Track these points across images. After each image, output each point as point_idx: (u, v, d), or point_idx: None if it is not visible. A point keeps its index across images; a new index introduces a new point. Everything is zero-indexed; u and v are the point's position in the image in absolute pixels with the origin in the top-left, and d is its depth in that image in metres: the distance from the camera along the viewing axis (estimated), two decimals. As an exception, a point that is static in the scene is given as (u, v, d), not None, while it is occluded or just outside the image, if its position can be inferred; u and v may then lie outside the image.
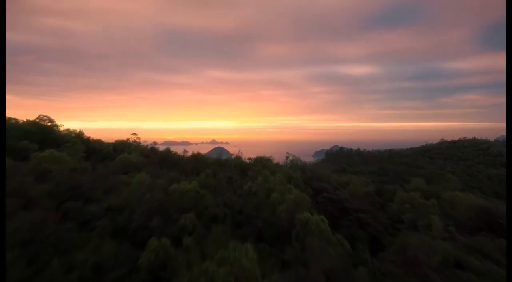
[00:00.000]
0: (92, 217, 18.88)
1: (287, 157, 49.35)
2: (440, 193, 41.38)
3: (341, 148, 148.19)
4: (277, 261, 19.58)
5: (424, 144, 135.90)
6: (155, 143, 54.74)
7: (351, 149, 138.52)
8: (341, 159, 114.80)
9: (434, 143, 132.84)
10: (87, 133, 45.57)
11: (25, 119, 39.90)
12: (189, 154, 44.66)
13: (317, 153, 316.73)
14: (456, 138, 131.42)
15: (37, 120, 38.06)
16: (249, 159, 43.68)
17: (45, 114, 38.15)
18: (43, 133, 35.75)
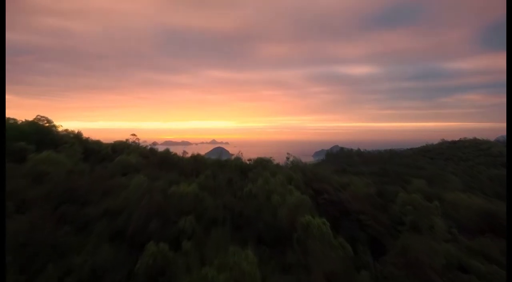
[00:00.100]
0: (89, 220, 18.56)
1: (287, 158, 49.05)
2: (442, 194, 41.06)
3: (341, 148, 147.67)
4: (278, 264, 19.29)
5: (424, 144, 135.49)
6: (155, 143, 54.48)
7: (351, 149, 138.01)
8: (341, 159, 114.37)
9: (434, 143, 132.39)
10: (87, 134, 45.28)
11: (24, 120, 39.65)
12: (189, 154, 44.39)
13: (317, 153, 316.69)
14: (457, 139, 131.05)
15: (35, 120, 37.72)
16: (249, 160, 43.39)
17: (44, 114, 37.85)
18: (40, 134, 35.39)
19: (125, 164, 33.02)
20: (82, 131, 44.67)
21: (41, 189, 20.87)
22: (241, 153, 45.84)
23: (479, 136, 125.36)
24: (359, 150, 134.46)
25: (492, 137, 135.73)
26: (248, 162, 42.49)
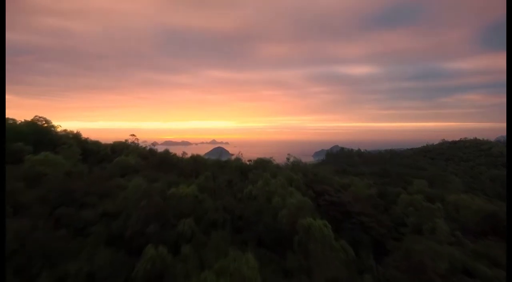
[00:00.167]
0: (86, 223, 18.14)
1: (288, 159, 48.60)
2: (444, 195, 40.66)
3: (342, 148, 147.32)
4: (279, 268, 18.88)
5: (424, 144, 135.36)
6: (155, 143, 54.04)
7: (351, 149, 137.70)
8: (341, 159, 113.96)
9: (435, 144, 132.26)
10: (87, 134, 44.89)
11: (23, 120, 39.20)
12: (188, 155, 43.96)
13: (317, 153, 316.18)
14: (457, 139, 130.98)
15: (33, 121, 37.27)
16: (249, 160, 42.95)
17: (45, 114, 37.56)
18: (38, 134, 34.96)
19: (124, 164, 32.60)
20: (82, 132, 44.37)
21: (37, 191, 20.47)
22: (241, 154, 45.42)
23: (479, 137, 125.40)
24: (359, 150, 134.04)
25: (492, 138, 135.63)
26: (248, 163, 42.05)
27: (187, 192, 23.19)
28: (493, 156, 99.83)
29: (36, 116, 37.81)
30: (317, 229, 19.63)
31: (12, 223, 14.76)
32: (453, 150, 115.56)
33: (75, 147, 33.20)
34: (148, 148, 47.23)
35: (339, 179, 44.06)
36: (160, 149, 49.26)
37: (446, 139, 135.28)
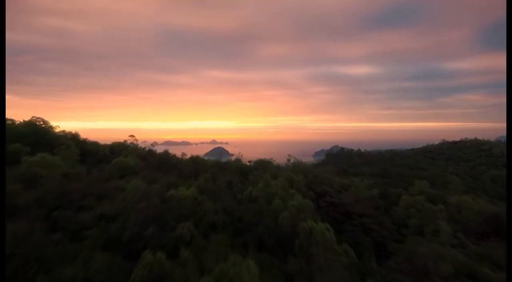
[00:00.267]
0: (83, 226, 17.78)
1: (288, 160, 48.25)
2: (445, 196, 40.33)
3: (342, 148, 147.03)
4: (279, 272, 18.52)
5: (425, 144, 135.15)
6: (155, 143, 53.72)
7: (351, 149, 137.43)
8: (341, 160, 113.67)
9: (435, 144, 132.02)
10: (87, 134, 44.53)
11: (22, 121, 38.80)
12: (188, 156, 43.59)
13: (317, 153, 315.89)
14: (457, 139, 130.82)
15: (31, 121, 36.87)
16: (250, 161, 42.58)
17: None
18: (36, 135, 34.53)
19: (123, 165, 32.21)
20: (82, 132, 44.01)
21: (34, 193, 20.07)
22: (241, 154, 45.03)
23: (479, 137, 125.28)
24: (359, 150, 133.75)
25: (492, 138, 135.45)
26: (248, 164, 41.68)
27: (186, 193, 22.84)
28: (494, 156, 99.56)
29: (33, 116, 37.44)
30: (319, 233, 19.30)
31: (8, 226, 14.37)
32: (453, 150, 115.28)
33: (73, 148, 32.80)
34: (147, 149, 46.86)
35: (339, 180, 43.72)
36: (160, 149, 48.95)
37: (446, 139, 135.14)
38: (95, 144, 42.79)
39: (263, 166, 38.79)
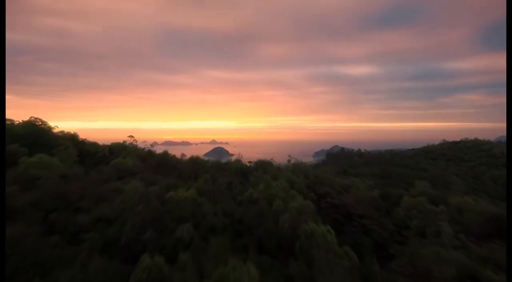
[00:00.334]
0: (81, 229, 17.51)
1: (289, 160, 47.98)
2: (446, 197, 40.08)
3: (342, 148, 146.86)
4: (280, 275, 18.26)
5: (425, 145, 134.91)
6: (155, 143, 53.49)
7: (351, 150, 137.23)
8: (342, 160, 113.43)
9: (435, 144, 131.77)
10: (87, 134, 44.24)
11: (21, 121, 38.53)
12: (188, 156, 43.34)
13: (317, 153, 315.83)
14: (457, 139, 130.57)
15: (29, 122, 36.59)
16: (250, 162, 42.30)
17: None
18: (34, 136, 34.26)
19: (122, 167, 31.95)
20: (81, 132, 43.75)
21: (31, 195, 19.81)
22: (241, 155, 44.75)
23: (479, 137, 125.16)
24: (359, 150, 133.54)
25: (492, 138, 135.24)
26: (248, 164, 41.42)
27: (185, 195, 22.58)
28: (494, 156, 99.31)
29: (31, 117, 37.15)
30: (320, 235, 19.03)
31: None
32: (454, 150, 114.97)
33: (71, 149, 32.52)
34: (146, 149, 46.58)
35: (340, 180, 43.47)
36: (160, 149, 48.70)
37: (446, 139, 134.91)
38: (94, 145, 42.52)
39: (263, 167, 38.52)
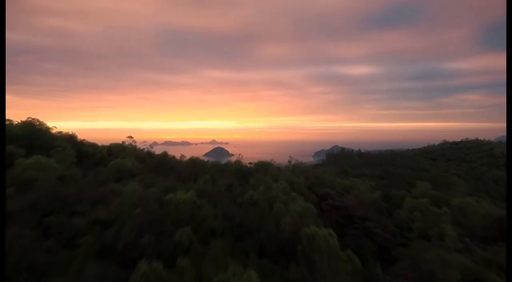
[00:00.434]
0: (77, 232, 17.07)
1: (289, 161, 47.54)
2: (449, 198, 39.67)
3: (342, 149, 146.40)
4: (281, 280, 17.84)
5: (425, 145, 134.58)
6: (155, 143, 53.09)
7: (352, 150, 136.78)
8: (342, 160, 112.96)
9: (436, 144, 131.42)
10: (87, 134, 43.76)
11: (20, 121, 38.07)
12: (188, 156, 42.89)
13: (317, 153, 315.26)
14: (457, 139, 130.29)
15: (27, 123, 36.10)
16: (250, 163, 41.86)
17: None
18: (32, 137, 33.77)
19: (120, 168, 31.48)
20: (81, 132, 43.27)
21: (27, 198, 19.35)
22: (241, 156, 44.31)
23: (479, 137, 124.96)
24: (359, 150, 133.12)
25: (492, 138, 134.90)
26: (248, 165, 40.98)
27: (185, 197, 22.14)
28: (495, 156, 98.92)
29: (29, 117, 36.69)
30: (322, 239, 18.60)
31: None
32: (454, 150, 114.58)
33: (69, 150, 32.01)
34: (145, 150, 46.12)
35: (341, 181, 43.08)
36: (160, 149, 48.26)
37: (447, 140, 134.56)
38: (92, 145, 42.05)
39: (263, 168, 38.10)
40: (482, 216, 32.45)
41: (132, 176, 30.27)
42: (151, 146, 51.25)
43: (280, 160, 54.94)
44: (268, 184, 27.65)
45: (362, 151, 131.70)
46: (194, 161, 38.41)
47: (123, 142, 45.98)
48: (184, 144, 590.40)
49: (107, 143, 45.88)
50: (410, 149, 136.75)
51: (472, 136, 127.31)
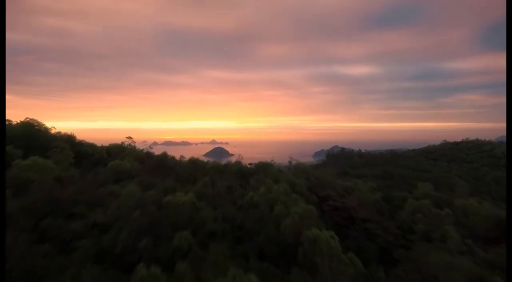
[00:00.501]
0: (74, 236, 16.74)
1: (290, 162, 47.21)
2: (451, 199, 39.41)
3: (342, 149, 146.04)
4: (282, 284, 17.54)
5: (426, 145, 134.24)
6: (155, 143, 52.71)
7: (352, 150, 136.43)
8: (342, 160, 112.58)
9: (436, 144, 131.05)
10: (87, 134, 43.45)
11: (19, 121, 37.74)
12: (188, 157, 42.54)
13: (317, 153, 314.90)
14: (458, 139, 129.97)
15: (25, 123, 35.76)
16: (250, 164, 41.52)
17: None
18: (29, 137, 33.43)
19: (119, 169, 31.15)
20: (81, 132, 42.95)
21: (23, 200, 19.01)
22: (241, 157, 43.96)
23: (479, 137, 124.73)
24: (360, 150, 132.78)
25: (492, 138, 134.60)
26: (249, 166, 40.63)
27: (184, 199, 21.78)
28: (496, 157, 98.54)
29: (27, 118, 36.34)
30: (324, 241, 18.27)
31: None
32: (455, 150, 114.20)
33: (67, 150, 31.65)
34: (145, 151, 45.77)
35: (342, 183, 42.80)
36: (160, 149, 47.90)
37: (447, 140, 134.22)
38: (91, 146, 41.69)
39: (264, 169, 37.76)
40: (484, 217, 32.18)
41: (131, 177, 29.94)
42: (150, 146, 50.85)
43: (280, 160, 54.69)
44: (268, 185, 27.31)
45: (362, 151, 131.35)
46: (193, 162, 38.08)
47: (123, 143, 45.66)
48: (184, 144, 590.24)
49: (107, 143, 45.63)
50: (410, 149, 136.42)
51: (472, 136, 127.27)
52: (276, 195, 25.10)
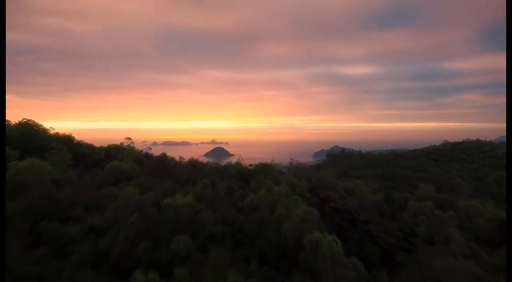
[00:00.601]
0: (70, 240, 16.35)
1: (290, 163, 46.81)
2: (453, 201, 38.98)
3: (343, 149, 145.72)
4: (283, 288, 17.15)
5: (426, 145, 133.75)
6: (155, 143, 52.23)
7: (352, 150, 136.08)
8: (342, 161, 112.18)
9: (437, 145, 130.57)
10: (86, 134, 43.08)
11: (17, 122, 37.32)
12: (188, 157, 42.11)
13: (317, 154, 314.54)
14: (458, 139, 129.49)
15: (22, 124, 35.34)
16: (250, 165, 41.10)
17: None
18: (27, 138, 33.01)
19: (118, 170, 30.72)
20: (81, 132, 42.77)
21: (19, 203, 18.61)
22: (241, 158, 43.55)
23: (479, 137, 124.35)
24: (360, 151, 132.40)
25: (492, 138, 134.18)
26: (249, 167, 40.22)
27: (183, 202, 21.38)
28: (497, 157, 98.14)
29: (24, 118, 35.91)
30: (326, 245, 17.87)
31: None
32: (455, 151, 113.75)
33: (65, 152, 31.19)
34: (144, 152, 45.32)
35: (343, 184, 42.39)
36: (160, 149, 47.48)
37: (448, 140, 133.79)
38: (90, 147, 41.21)
39: (264, 170, 37.35)
40: (488, 219, 31.77)
41: (130, 178, 29.52)
42: (149, 147, 50.40)
43: (280, 160, 54.35)
44: (269, 187, 26.91)
45: (363, 152, 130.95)
46: (193, 163, 37.66)
47: (121, 143, 45.21)
48: (184, 144, 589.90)
49: (107, 143, 45.21)
50: (411, 149, 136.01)
51: (472, 137, 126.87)
52: (277, 197, 24.70)
